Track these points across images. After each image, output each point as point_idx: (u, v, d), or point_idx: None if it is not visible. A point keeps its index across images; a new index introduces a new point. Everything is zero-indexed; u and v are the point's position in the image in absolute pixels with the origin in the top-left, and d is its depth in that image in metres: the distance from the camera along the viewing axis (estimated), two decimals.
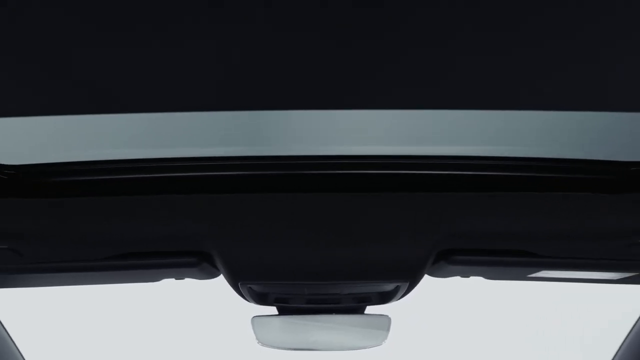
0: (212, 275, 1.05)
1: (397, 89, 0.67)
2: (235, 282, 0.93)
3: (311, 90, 0.67)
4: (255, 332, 1.27)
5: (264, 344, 1.30)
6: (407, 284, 0.95)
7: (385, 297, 1.05)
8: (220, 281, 1.26)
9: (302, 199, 0.88)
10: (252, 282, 0.93)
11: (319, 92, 0.68)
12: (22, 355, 1.53)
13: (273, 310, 1.23)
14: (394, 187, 0.88)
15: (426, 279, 1.22)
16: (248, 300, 1.11)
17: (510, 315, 3.30)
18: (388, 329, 1.26)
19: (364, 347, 1.32)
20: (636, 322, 1.44)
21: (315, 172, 0.88)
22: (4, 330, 1.42)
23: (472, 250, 0.92)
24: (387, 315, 1.25)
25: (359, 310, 1.19)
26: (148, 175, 0.87)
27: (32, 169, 0.87)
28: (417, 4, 0.52)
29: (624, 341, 1.48)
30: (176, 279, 1.11)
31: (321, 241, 0.88)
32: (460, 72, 0.63)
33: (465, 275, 1.08)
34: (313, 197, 0.89)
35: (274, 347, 1.31)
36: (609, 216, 0.87)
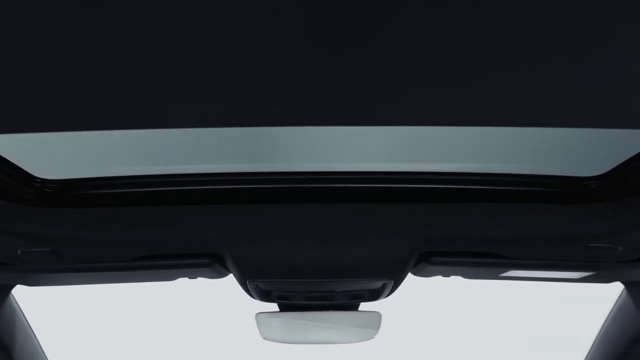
0: (222, 274, 1.18)
1: (382, 107, 0.73)
2: (244, 280, 1.06)
3: (303, 108, 0.74)
4: (259, 328, 1.39)
5: (266, 339, 1.42)
6: (392, 282, 1.08)
7: (374, 294, 1.17)
8: (224, 284, 1.39)
9: (302, 208, 1.01)
10: (259, 280, 1.06)
11: (310, 110, 0.74)
12: (43, 351, 1.65)
13: (274, 307, 1.35)
14: (378, 199, 1.01)
15: (421, 282, 1.35)
16: (254, 298, 1.23)
17: (506, 315, 3.36)
18: (379, 325, 1.38)
19: (357, 341, 1.43)
20: (607, 317, 1.56)
21: (313, 186, 1.01)
22: (28, 328, 1.54)
23: (448, 252, 1.05)
24: (377, 312, 1.37)
25: (352, 307, 1.31)
26: (169, 189, 1.01)
27: (70, 183, 1.00)
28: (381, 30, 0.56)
29: (596, 338, 1.60)
30: (190, 278, 1.23)
31: (318, 244, 1.01)
32: (433, 91, 0.68)
33: (445, 275, 1.20)
34: (312, 208, 1.02)
35: (276, 341, 1.43)
36: (565, 224, 1.00)
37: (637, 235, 0.96)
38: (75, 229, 0.98)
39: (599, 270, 1.10)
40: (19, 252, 0.97)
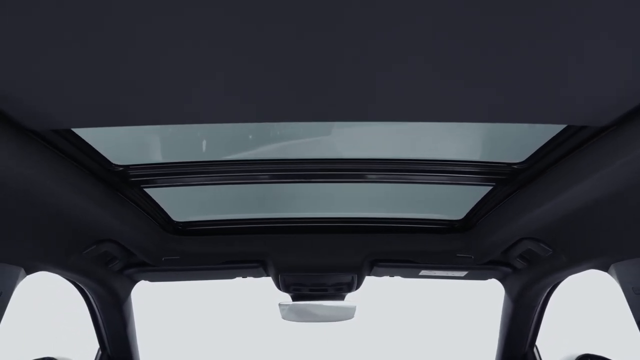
0: (262, 275, 2.05)
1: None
2: (277, 275, 1.93)
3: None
4: (280, 312, 2.22)
5: (285, 319, 2.24)
6: (357, 276, 1.94)
7: (349, 286, 2.02)
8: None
9: (310, 236, 1.89)
10: (285, 274, 1.93)
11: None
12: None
13: (287, 297, 2.16)
14: (347, 232, 1.90)
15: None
16: (280, 289, 2.07)
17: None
18: (355, 311, 2.20)
19: (341, 320, 2.24)
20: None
21: (315, 225, 1.90)
22: (133, 315, 2.34)
23: (386, 260, 1.93)
24: (354, 304, 2.20)
25: (338, 297, 2.15)
26: (241, 226, 1.91)
27: (189, 223, 1.91)
28: None
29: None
30: (242, 277, 2.09)
31: (318, 254, 1.89)
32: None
33: (390, 275, 2.06)
34: (314, 236, 1.90)
35: (292, 320, 2.24)
36: (444, 244, 1.88)
37: (479, 250, 1.84)
38: (191, 247, 1.88)
39: (471, 271, 1.97)
40: (163, 259, 1.86)
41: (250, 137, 1.49)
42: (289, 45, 0.70)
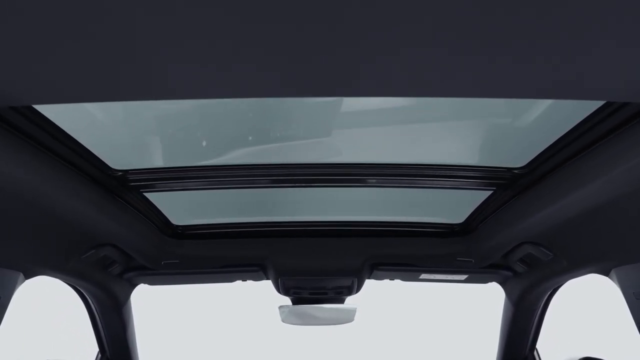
0: (262, 279, 2.04)
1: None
2: (277, 279, 1.93)
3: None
4: (280, 315, 2.21)
5: (285, 322, 2.24)
6: (357, 280, 1.94)
7: (349, 289, 2.02)
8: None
9: (310, 240, 1.89)
10: (285, 278, 1.93)
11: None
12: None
13: (288, 301, 2.16)
14: (348, 235, 1.90)
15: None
16: (280, 292, 2.07)
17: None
18: (355, 313, 2.20)
19: (341, 323, 2.24)
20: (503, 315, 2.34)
21: (315, 229, 1.90)
22: (132, 319, 2.34)
23: (387, 264, 1.93)
24: (355, 306, 2.19)
25: (338, 300, 2.15)
26: (240, 230, 1.90)
27: (189, 227, 1.91)
28: None
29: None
30: (242, 280, 2.09)
31: (317, 258, 1.89)
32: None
33: (390, 278, 2.06)
34: (315, 240, 1.90)
35: (292, 323, 2.24)
36: (444, 247, 1.88)
37: (479, 253, 1.84)
38: (191, 250, 1.88)
39: (471, 274, 1.97)
40: (163, 262, 1.86)
41: (250, 140, 1.48)
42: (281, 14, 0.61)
